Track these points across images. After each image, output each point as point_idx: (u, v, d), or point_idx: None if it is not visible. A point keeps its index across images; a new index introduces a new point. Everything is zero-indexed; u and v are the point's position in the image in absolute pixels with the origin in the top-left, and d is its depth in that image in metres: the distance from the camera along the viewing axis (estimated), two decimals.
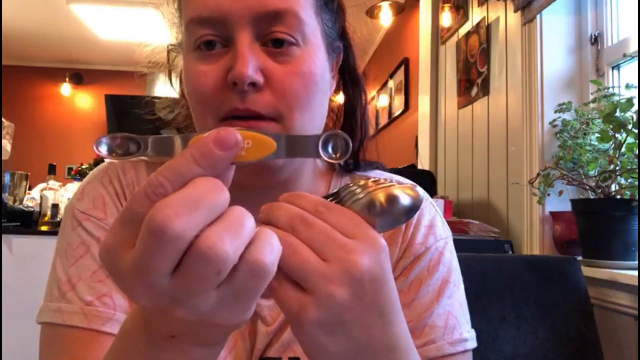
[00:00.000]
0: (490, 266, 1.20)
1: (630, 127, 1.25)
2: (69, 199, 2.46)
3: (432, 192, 2.13)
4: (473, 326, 0.60)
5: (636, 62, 1.44)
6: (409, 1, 3.14)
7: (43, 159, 3.84)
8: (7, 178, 2.44)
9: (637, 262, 1.28)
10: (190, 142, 0.33)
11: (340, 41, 0.60)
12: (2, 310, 1.97)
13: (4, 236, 2.21)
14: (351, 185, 0.38)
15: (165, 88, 0.67)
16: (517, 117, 1.77)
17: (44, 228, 2.36)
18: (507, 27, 1.91)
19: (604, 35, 1.58)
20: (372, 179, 0.38)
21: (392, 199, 0.36)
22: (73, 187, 2.66)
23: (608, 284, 1.25)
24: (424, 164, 2.65)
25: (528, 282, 1.19)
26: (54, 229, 2.33)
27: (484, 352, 1.10)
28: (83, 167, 3.74)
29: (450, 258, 0.60)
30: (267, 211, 0.37)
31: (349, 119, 0.64)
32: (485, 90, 2.06)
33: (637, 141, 1.25)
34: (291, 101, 0.50)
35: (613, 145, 1.33)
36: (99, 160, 3.85)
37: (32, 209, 2.45)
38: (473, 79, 2.17)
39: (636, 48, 1.40)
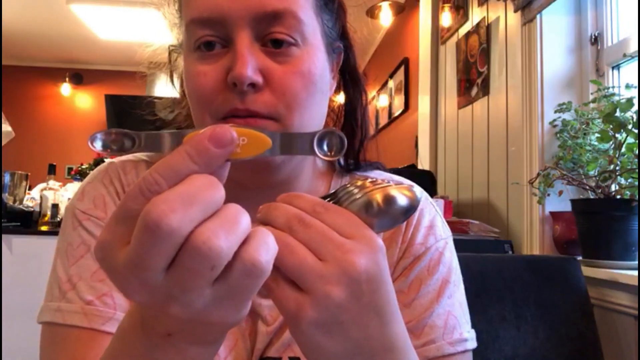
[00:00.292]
0: (490, 266, 1.20)
1: (630, 127, 1.25)
2: (69, 199, 2.46)
3: (432, 192, 2.13)
4: (473, 326, 0.60)
5: (636, 62, 1.44)
6: (409, 1, 3.14)
7: (43, 159, 3.84)
8: (7, 178, 2.44)
9: (637, 262, 1.28)
10: (185, 139, 0.33)
11: (341, 41, 0.60)
12: (2, 310, 1.97)
13: (4, 236, 2.21)
14: (349, 185, 0.38)
15: (165, 88, 0.67)
16: (517, 117, 1.77)
17: (44, 228, 2.36)
18: (507, 27, 1.91)
19: (604, 35, 1.58)
20: (370, 179, 0.38)
21: (389, 200, 0.36)
22: (73, 187, 2.66)
23: (608, 284, 1.25)
24: (424, 164, 2.65)
25: (528, 282, 1.19)
26: (54, 229, 2.33)
27: (484, 352, 1.10)
28: (83, 167, 3.73)
29: (451, 258, 0.60)
30: (265, 211, 0.37)
31: (350, 119, 0.64)
32: (485, 90, 2.06)
33: (637, 141, 1.25)
34: (290, 101, 0.50)
35: (613, 145, 1.33)
36: (99, 160, 3.85)
37: (32, 209, 2.45)
38: (473, 79, 2.17)
39: (636, 48, 1.40)
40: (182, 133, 0.33)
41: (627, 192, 1.29)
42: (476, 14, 2.19)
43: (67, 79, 5.55)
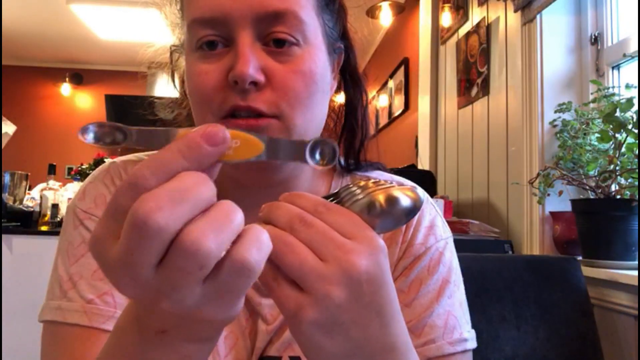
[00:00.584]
0: (490, 266, 1.20)
1: (630, 127, 1.25)
2: (69, 199, 2.47)
3: (432, 192, 2.13)
4: (473, 326, 0.60)
5: (636, 62, 1.44)
6: (409, 1, 3.14)
7: (43, 159, 3.84)
8: (7, 178, 2.44)
9: (637, 262, 1.28)
10: (178, 136, 0.32)
11: (342, 41, 0.60)
12: (2, 310, 1.97)
13: (4, 236, 2.21)
14: (351, 185, 0.38)
15: (165, 88, 0.67)
16: (517, 117, 1.77)
17: (44, 228, 2.36)
18: (507, 27, 1.91)
19: (604, 35, 1.58)
20: (373, 180, 0.38)
21: (392, 200, 0.36)
22: (73, 187, 2.66)
23: (608, 284, 1.25)
24: (424, 164, 2.65)
25: (528, 282, 1.19)
26: (54, 229, 2.33)
27: (484, 352, 1.10)
28: (83, 167, 3.73)
29: (451, 258, 0.61)
30: (267, 210, 0.37)
31: (350, 119, 0.64)
32: (485, 90, 2.06)
33: (637, 141, 1.25)
34: (292, 99, 0.50)
35: (613, 145, 1.33)
36: (99, 160, 3.86)
37: (32, 209, 2.45)
38: (473, 79, 2.18)
39: (636, 48, 1.40)
40: (175, 130, 0.33)
41: (627, 192, 1.29)
42: (476, 14, 2.19)
43: (67, 79, 5.55)
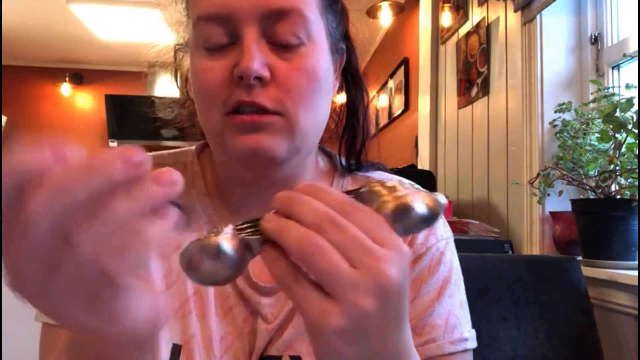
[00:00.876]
0: (490, 266, 1.20)
1: (630, 127, 1.25)
2: None
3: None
4: (473, 326, 0.60)
5: (636, 62, 1.44)
6: (409, 1, 3.14)
7: None
8: None
9: (637, 262, 1.28)
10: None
11: (344, 42, 0.61)
12: (2, 310, 1.97)
13: None
14: (374, 185, 0.36)
15: (165, 88, 0.67)
16: (517, 117, 1.77)
17: None
18: (507, 27, 1.91)
19: (604, 35, 1.58)
20: (397, 181, 0.37)
21: (422, 207, 0.35)
22: None
23: (608, 284, 1.25)
24: (424, 164, 2.65)
25: (528, 282, 1.19)
26: None
27: (484, 352, 1.10)
28: None
29: (451, 258, 0.61)
30: (288, 203, 0.34)
31: (351, 119, 0.65)
32: (485, 90, 2.06)
33: (637, 141, 1.26)
34: (296, 97, 0.51)
35: (613, 145, 1.33)
36: None
37: None
38: (473, 79, 2.18)
39: (636, 48, 1.40)
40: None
41: (627, 192, 1.29)
42: (476, 14, 2.19)
43: (67, 79, 5.55)
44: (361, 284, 0.32)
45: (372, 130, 0.66)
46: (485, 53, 2.06)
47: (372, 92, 4.25)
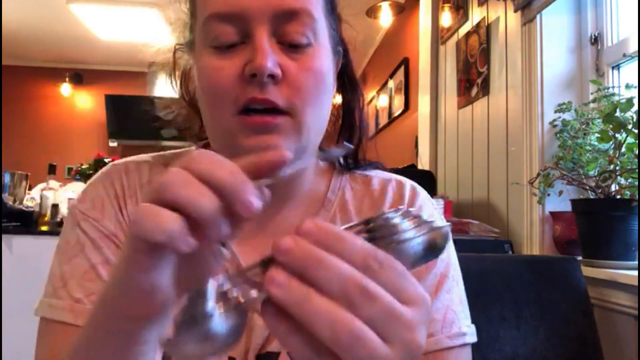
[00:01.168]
0: (490, 266, 1.20)
1: (630, 127, 1.25)
2: (69, 199, 2.47)
3: (432, 192, 2.13)
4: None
5: (636, 62, 1.44)
6: (409, 1, 3.14)
7: (43, 159, 3.84)
8: (7, 178, 2.44)
9: (637, 262, 1.28)
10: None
11: (341, 46, 0.62)
12: (2, 310, 1.97)
13: (4, 236, 2.21)
14: (390, 217, 0.32)
15: (165, 88, 0.67)
16: (517, 117, 1.77)
17: (44, 228, 2.36)
18: (507, 27, 1.91)
19: (604, 35, 1.58)
20: (408, 213, 0.33)
21: (435, 246, 0.32)
22: (73, 187, 2.66)
23: (608, 284, 1.25)
24: (424, 164, 2.65)
25: (528, 282, 1.19)
26: (53, 229, 2.33)
27: (484, 352, 1.10)
28: (83, 167, 3.73)
29: (449, 254, 0.61)
30: (304, 261, 0.29)
31: (348, 119, 0.66)
32: (485, 90, 2.06)
33: (637, 141, 1.25)
34: (304, 96, 0.52)
35: (613, 145, 1.33)
36: (98, 160, 3.86)
37: (32, 209, 2.45)
38: (473, 79, 2.17)
39: (636, 48, 1.40)
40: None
41: (627, 192, 1.29)
42: (476, 14, 2.19)
43: (67, 79, 5.55)
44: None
45: (370, 130, 0.67)
46: (485, 53, 2.06)
47: (372, 92, 4.25)
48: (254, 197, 0.31)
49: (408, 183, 0.66)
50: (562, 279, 1.20)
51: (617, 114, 1.25)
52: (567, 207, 1.47)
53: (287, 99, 0.51)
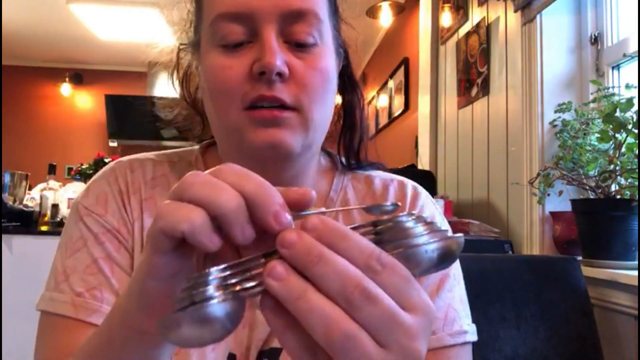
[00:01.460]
0: (490, 266, 1.20)
1: (630, 127, 1.25)
2: (69, 199, 2.47)
3: (432, 192, 2.13)
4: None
5: (636, 62, 1.44)
6: (409, 1, 3.14)
7: (43, 159, 3.84)
8: (7, 178, 2.44)
9: (637, 262, 1.28)
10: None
11: (342, 47, 0.63)
12: (2, 310, 1.97)
13: (4, 236, 2.21)
14: (404, 221, 0.31)
15: (165, 88, 0.67)
16: (517, 117, 1.77)
17: (44, 228, 2.36)
18: (507, 27, 1.91)
19: (604, 35, 1.58)
20: (420, 218, 0.32)
21: (450, 254, 0.31)
22: (73, 187, 2.66)
23: (608, 284, 1.25)
24: (424, 164, 2.65)
25: (528, 282, 1.19)
26: (53, 229, 2.33)
27: (484, 352, 1.10)
28: (83, 167, 3.73)
29: None
30: (305, 256, 0.28)
31: (349, 119, 0.66)
32: (485, 90, 2.06)
33: (637, 141, 1.25)
34: (311, 94, 0.52)
35: (613, 145, 1.33)
36: (98, 160, 3.86)
37: (32, 209, 2.45)
38: (473, 79, 2.18)
39: (636, 48, 1.40)
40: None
41: (627, 192, 1.29)
42: (476, 14, 2.19)
43: (67, 79, 5.55)
44: None
45: (370, 130, 0.67)
46: (485, 53, 2.06)
47: (372, 92, 4.25)
48: (284, 209, 0.30)
49: (409, 183, 0.66)
50: (562, 279, 1.20)
51: (617, 114, 1.25)
52: (567, 207, 1.47)
53: (294, 96, 0.51)
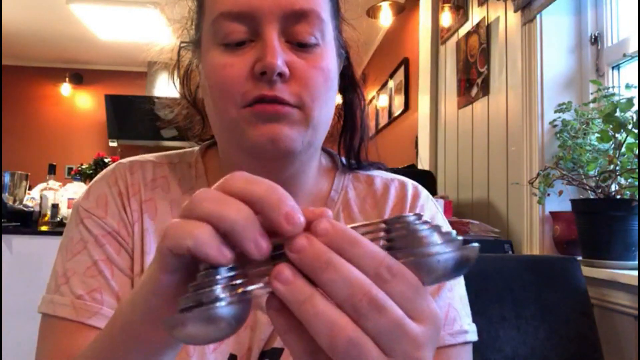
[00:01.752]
0: (490, 266, 1.20)
1: (630, 127, 1.25)
2: (69, 199, 2.47)
3: (432, 192, 2.12)
4: None
5: (636, 62, 1.44)
6: (409, 1, 3.14)
7: (43, 159, 3.84)
8: (7, 178, 2.44)
9: (637, 262, 1.28)
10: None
11: (343, 49, 0.63)
12: (2, 309, 1.97)
13: (4, 236, 2.21)
14: (419, 229, 0.30)
15: (165, 88, 0.67)
16: (517, 117, 1.77)
17: (43, 228, 2.36)
18: (507, 27, 1.91)
19: (604, 35, 1.58)
20: (437, 226, 0.31)
21: (466, 263, 0.30)
22: (73, 187, 2.66)
23: (608, 284, 1.25)
24: (424, 164, 2.65)
25: (528, 282, 1.19)
26: (53, 229, 2.33)
27: (484, 352, 1.10)
28: (83, 167, 3.73)
29: None
30: (313, 261, 0.28)
31: (350, 120, 0.66)
32: (485, 90, 2.06)
33: (637, 141, 1.25)
34: (313, 93, 0.53)
35: (613, 145, 1.33)
36: (98, 160, 3.86)
37: (32, 209, 2.45)
38: (473, 79, 2.18)
39: (636, 48, 1.40)
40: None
41: (627, 192, 1.29)
42: (476, 14, 2.19)
43: (67, 79, 5.55)
44: None
45: (370, 131, 0.67)
46: (485, 53, 2.06)
47: (372, 92, 4.25)
48: (296, 210, 0.29)
49: (410, 183, 0.66)
50: (562, 279, 1.20)
51: (617, 114, 1.25)
52: (567, 207, 1.47)
53: (295, 95, 0.52)
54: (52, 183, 2.53)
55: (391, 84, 3.71)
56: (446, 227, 0.62)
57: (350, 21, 0.64)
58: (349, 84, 0.66)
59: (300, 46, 0.53)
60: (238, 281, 0.29)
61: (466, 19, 2.28)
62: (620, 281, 1.19)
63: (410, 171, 2.31)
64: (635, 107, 1.25)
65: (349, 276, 0.28)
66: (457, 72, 2.34)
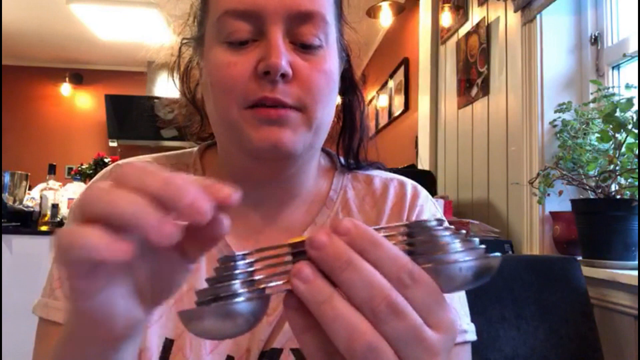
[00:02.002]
0: None
1: (630, 127, 1.25)
2: (69, 199, 2.47)
3: (432, 192, 2.13)
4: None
5: (636, 62, 1.44)
6: (409, 1, 3.14)
7: (43, 159, 3.84)
8: (7, 178, 2.44)
9: (637, 262, 1.28)
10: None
11: (344, 51, 0.63)
12: (2, 310, 1.97)
13: (4, 236, 2.21)
14: (442, 235, 0.30)
15: (164, 87, 0.67)
16: (517, 117, 1.77)
17: (43, 228, 2.36)
18: (507, 27, 1.91)
19: (604, 35, 1.58)
20: (460, 233, 0.31)
21: (488, 272, 0.30)
22: (73, 187, 2.66)
23: (608, 284, 1.25)
24: (424, 164, 2.65)
25: (528, 282, 1.19)
26: (53, 229, 2.33)
27: (484, 352, 1.10)
28: (83, 167, 3.73)
29: None
30: (334, 260, 0.28)
31: (350, 120, 0.66)
32: (485, 90, 2.06)
33: (637, 141, 1.25)
34: (315, 95, 0.53)
35: (613, 145, 1.33)
36: (98, 160, 3.86)
37: (32, 209, 2.45)
38: (473, 79, 2.18)
39: (636, 48, 1.40)
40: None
41: (627, 192, 1.29)
42: (476, 14, 2.19)
43: (67, 79, 5.55)
44: None
45: (370, 131, 0.67)
46: (485, 53, 2.06)
47: (372, 92, 4.25)
48: (201, 196, 0.28)
49: (409, 183, 0.66)
50: (562, 279, 1.20)
51: (617, 114, 1.25)
52: (567, 207, 1.47)
53: (297, 97, 0.52)
54: (52, 183, 2.53)
55: (391, 84, 3.71)
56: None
57: (351, 24, 0.64)
58: (349, 86, 0.66)
59: (304, 47, 0.53)
60: (257, 277, 0.29)
61: (466, 19, 2.28)
62: (620, 281, 1.19)
63: (410, 171, 2.31)
64: (635, 107, 1.25)
65: (370, 278, 0.27)
66: (457, 72, 2.34)
